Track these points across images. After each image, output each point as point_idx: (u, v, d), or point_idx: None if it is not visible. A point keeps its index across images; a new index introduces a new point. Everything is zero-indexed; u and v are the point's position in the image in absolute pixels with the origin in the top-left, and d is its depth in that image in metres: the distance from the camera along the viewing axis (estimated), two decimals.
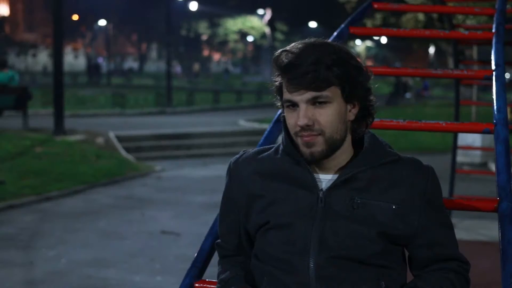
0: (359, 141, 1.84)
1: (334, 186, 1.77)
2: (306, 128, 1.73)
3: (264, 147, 1.94)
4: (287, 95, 1.76)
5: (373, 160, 1.79)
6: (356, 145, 1.84)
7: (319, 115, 1.74)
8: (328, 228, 1.75)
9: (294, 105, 1.75)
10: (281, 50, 1.78)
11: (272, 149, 1.89)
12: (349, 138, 1.81)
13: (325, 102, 1.74)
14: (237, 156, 1.93)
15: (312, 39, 1.79)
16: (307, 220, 1.76)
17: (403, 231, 1.77)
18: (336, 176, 1.80)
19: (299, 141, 1.77)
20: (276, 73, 1.78)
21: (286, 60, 1.74)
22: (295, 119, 1.75)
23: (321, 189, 1.78)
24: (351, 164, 1.79)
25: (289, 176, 1.81)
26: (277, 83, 1.79)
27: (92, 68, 46.12)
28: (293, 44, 1.78)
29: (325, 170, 1.81)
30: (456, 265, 1.83)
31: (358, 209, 1.75)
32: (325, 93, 1.73)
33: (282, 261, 1.77)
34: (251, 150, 1.94)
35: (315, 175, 1.81)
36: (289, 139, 1.82)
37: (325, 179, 1.80)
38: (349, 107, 1.78)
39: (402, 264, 1.84)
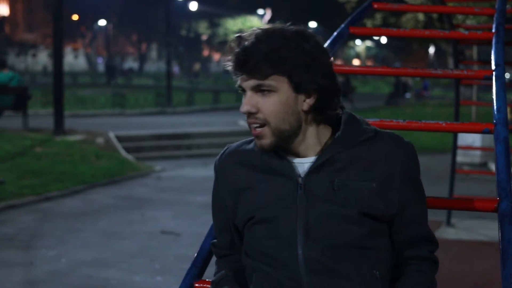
0: (337, 122, 1.81)
1: (312, 170, 1.75)
2: (249, 115, 1.75)
3: (246, 140, 1.91)
4: (238, 81, 1.77)
5: (350, 140, 1.76)
6: (334, 125, 1.81)
7: (263, 103, 1.73)
8: (311, 217, 1.73)
9: (244, 91, 1.76)
10: (237, 35, 1.77)
11: (253, 142, 1.87)
12: (312, 126, 1.77)
13: (269, 91, 1.72)
14: (221, 152, 1.92)
15: (271, 25, 1.77)
16: (290, 210, 1.74)
17: (384, 210, 1.75)
18: (314, 158, 1.77)
19: (252, 131, 1.78)
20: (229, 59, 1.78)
21: (235, 46, 1.73)
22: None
23: (299, 175, 1.76)
24: (328, 146, 1.76)
25: (268, 166, 1.80)
26: (227, 68, 1.78)
27: (111, 69, 46.13)
28: (251, 29, 1.77)
29: (300, 155, 1.78)
30: (428, 251, 1.83)
31: (338, 190, 1.73)
32: (267, 81, 1.71)
33: (270, 257, 1.76)
34: (233, 144, 1.92)
35: (295, 160, 1.78)
36: None
37: (303, 163, 1.78)
38: (302, 97, 1.74)
39: (391, 244, 1.82)
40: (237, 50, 1.72)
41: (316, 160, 1.76)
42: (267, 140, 1.74)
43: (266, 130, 1.74)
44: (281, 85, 1.72)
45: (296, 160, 1.78)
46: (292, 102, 1.73)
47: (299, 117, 1.75)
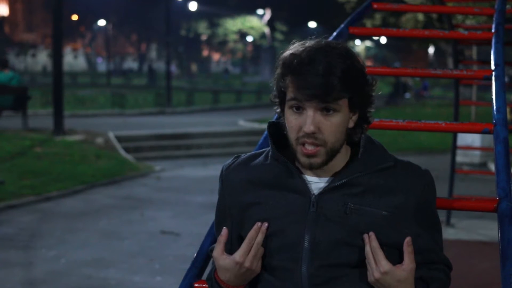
0: (354, 142, 1.80)
1: (327, 190, 1.74)
2: (308, 135, 1.68)
3: (256, 152, 1.90)
4: (295, 94, 1.67)
5: (369, 166, 1.75)
6: (352, 146, 1.80)
7: (325, 124, 1.68)
8: (319, 235, 1.72)
9: (299, 107, 1.69)
10: (290, 52, 1.71)
11: (263, 155, 1.85)
12: (344, 144, 1.77)
13: (333, 111, 1.68)
14: (229, 162, 1.89)
15: (321, 41, 1.73)
16: (299, 226, 1.73)
17: (394, 239, 1.74)
18: (330, 179, 1.76)
19: (299, 149, 1.71)
20: (282, 73, 1.71)
21: (298, 66, 1.67)
22: (300, 123, 1.69)
23: (313, 193, 1.75)
24: (347, 169, 1.75)
25: (280, 182, 1.78)
26: (281, 83, 1.71)
27: (151, 72, 45.94)
28: (302, 46, 1.71)
29: (318, 174, 1.77)
30: (442, 269, 1.84)
31: (350, 214, 1.72)
32: (337, 102, 1.68)
33: (275, 268, 1.76)
34: (243, 156, 1.89)
35: (308, 177, 1.77)
36: (275, 145, 1.79)
37: (319, 182, 1.76)
38: (350, 114, 1.74)
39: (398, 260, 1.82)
40: (299, 70, 1.66)
41: (333, 181, 1.74)
42: (319, 160, 1.70)
43: (321, 150, 1.70)
44: (343, 105, 1.69)
45: (311, 178, 1.77)
46: (347, 121, 1.73)
47: (346, 135, 1.74)
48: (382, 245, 1.73)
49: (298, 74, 1.67)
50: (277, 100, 1.78)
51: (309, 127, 1.67)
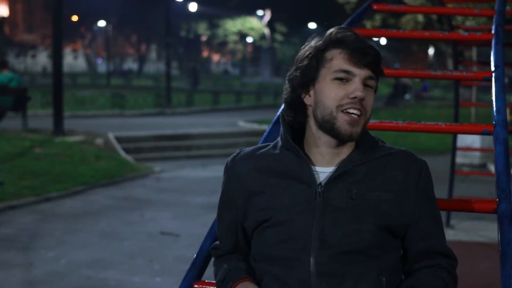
0: None
1: (332, 179, 1.78)
2: (357, 102, 1.76)
3: (261, 145, 1.94)
4: (345, 66, 1.77)
5: (369, 154, 1.82)
6: None
7: (368, 94, 1.79)
8: (328, 224, 1.75)
9: (344, 79, 1.77)
10: (337, 27, 1.83)
11: (270, 146, 1.90)
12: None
13: (371, 87, 1.80)
14: (234, 154, 1.92)
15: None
16: (306, 216, 1.76)
17: (400, 218, 1.78)
18: (334, 169, 1.81)
19: (342, 117, 1.77)
20: (324, 48, 1.80)
21: (350, 35, 1.79)
22: (345, 92, 1.76)
23: (320, 183, 1.79)
24: (349, 158, 1.81)
25: (287, 171, 1.82)
26: (318, 61, 1.80)
27: (195, 72, 45.59)
28: (344, 28, 1.84)
29: (324, 164, 1.82)
30: (446, 263, 1.84)
31: (356, 200, 1.76)
32: (375, 79, 1.81)
33: (281, 259, 1.77)
34: (247, 148, 1.94)
35: (315, 167, 1.82)
36: (289, 135, 1.84)
37: (324, 172, 1.81)
38: None
39: (400, 259, 1.85)
40: (353, 38, 1.79)
41: (336, 170, 1.80)
42: (358, 129, 1.79)
43: (361, 120, 1.79)
44: (375, 87, 1.83)
45: (319, 169, 1.82)
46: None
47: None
48: (388, 228, 1.77)
49: (352, 45, 1.78)
50: (302, 79, 1.82)
51: (361, 91, 1.76)
